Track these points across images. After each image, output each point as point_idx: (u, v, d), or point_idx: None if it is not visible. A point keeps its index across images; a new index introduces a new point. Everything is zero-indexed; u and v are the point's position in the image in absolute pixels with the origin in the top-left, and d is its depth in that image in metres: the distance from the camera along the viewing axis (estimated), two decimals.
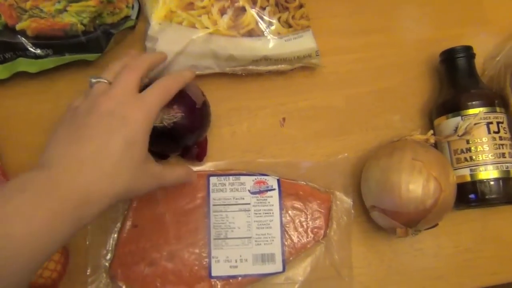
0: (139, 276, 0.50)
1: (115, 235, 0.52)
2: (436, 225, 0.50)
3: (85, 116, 0.39)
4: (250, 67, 0.55)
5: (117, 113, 0.39)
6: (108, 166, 0.37)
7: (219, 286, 0.51)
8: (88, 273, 0.50)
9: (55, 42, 0.54)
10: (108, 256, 0.51)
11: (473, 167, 0.51)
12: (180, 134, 0.47)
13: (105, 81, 0.43)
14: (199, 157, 0.54)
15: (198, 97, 0.49)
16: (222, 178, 0.54)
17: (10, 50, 0.53)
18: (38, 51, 0.54)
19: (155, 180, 0.42)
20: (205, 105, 0.50)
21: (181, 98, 0.46)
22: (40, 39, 0.53)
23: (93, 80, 0.43)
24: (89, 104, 0.40)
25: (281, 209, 0.53)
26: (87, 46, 0.54)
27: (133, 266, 0.50)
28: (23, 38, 0.53)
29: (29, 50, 0.53)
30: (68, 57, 0.54)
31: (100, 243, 0.51)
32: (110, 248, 0.51)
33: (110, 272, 0.50)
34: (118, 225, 0.52)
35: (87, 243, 0.51)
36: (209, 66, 0.54)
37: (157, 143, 0.44)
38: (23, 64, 0.54)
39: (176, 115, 0.45)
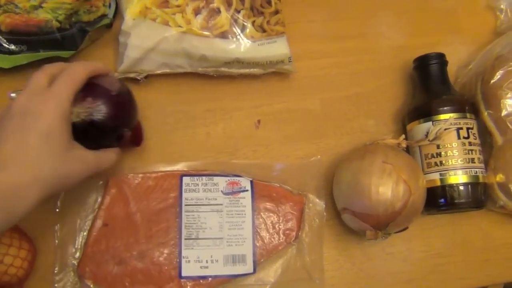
0: (108, 275, 0.50)
1: (85, 234, 0.51)
2: (406, 228, 0.51)
3: (0, 121, 0.41)
4: (223, 69, 0.55)
5: (28, 109, 0.40)
6: (29, 160, 0.38)
7: (189, 287, 0.50)
8: (55, 272, 0.50)
9: (30, 38, 0.53)
10: (77, 255, 0.50)
11: (443, 172, 0.52)
12: (102, 125, 0.45)
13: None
14: (135, 142, 0.52)
15: (113, 85, 0.47)
16: (195, 178, 0.54)
17: None
18: (12, 46, 0.53)
19: (86, 165, 0.43)
20: (123, 91, 0.48)
21: (94, 89, 0.45)
22: (14, 35, 0.53)
23: (12, 95, 0.45)
24: (5, 110, 0.41)
25: (253, 210, 0.53)
26: (62, 43, 0.54)
27: (102, 265, 0.50)
28: None
29: (2, 45, 0.53)
30: (42, 54, 0.54)
31: (69, 241, 0.51)
32: (79, 247, 0.51)
33: (78, 271, 0.50)
34: (88, 223, 0.51)
35: (56, 241, 0.51)
36: (181, 65, 0.54)
37: (84, 139, 0.43)
38: None
39: (92, 106, 0.44)
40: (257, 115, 0.58)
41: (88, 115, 0.44)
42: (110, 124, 0.45)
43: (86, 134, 0.44)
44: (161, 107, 0.57)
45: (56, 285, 0.49)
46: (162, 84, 0.58)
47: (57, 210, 0.51)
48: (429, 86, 0.56)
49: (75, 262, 0.50)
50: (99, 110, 0.44)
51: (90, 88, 0.44)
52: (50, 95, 0.41)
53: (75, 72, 0.43)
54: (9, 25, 0.53)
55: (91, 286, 0.49)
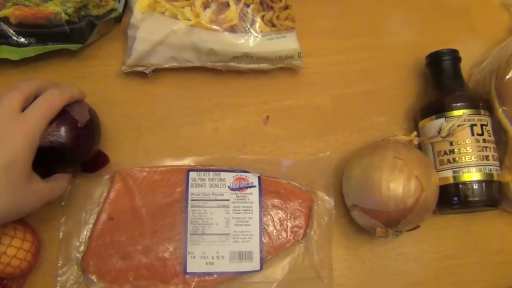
0: (112, 270, 0.49)
1: (90, 227, 0.50)
2: (418, 227, 0.49)
3: None
4: (231, 63, 0.54)
5: None
6: None
7: (194, 283, 0.49)
8: (59, 265, 0.49)
9: (39, 31, 0.53)
10: (81, 248, 0.50)
11: (456, 169, 0.50)
12: (59, 153, 0.44)
13: None
14: (89, 170, 0.51)
15: (82, 115, 0.46)
16: (202, 173, 0.53)
17: None
18: (21, 39, 0.53)
19: (40, 198, 0.42)
20: (91, 124, 0.47)
21: (62, 116, 0.44)
22: (24, 27, 0.53)
23: None
24: None
25: (261, 206, 0.52)
26: (70, 36, 0.54)
27: (106, 259, 0.49)
28: (5, 26, 0.52)
29: (11, 38, 0.53)
30: (50, 46, 0.54)
31: (73, 234, 0.50)
32: (83, 240, 0.50)
33: (82, 264, 0.49)
34: (93, 217, 0.51)
35: (60, 234, 0.50)
36: (189, 59, 0.54)
37: (37, 161, 0.41)
38: (5, 52, 0.53)
39: (54, 132, 0.43)
40: (266, 111, 0.58)
41: (46, 141, 0.43)
42: (67, 154, 0.45)
43: (41, 157, 0.42)
44: (168, 101, 0.57)
45: (59, 278, 0.49)
46: (170, 79, 0.57)
47: (63, 203, 0.51)
48: (442, 82, 0.55)
49: (79, 256, 0.49)
50: (60, 139, 0.43)
51: (59, 113, 0.43)
52: (22, 122, 0.39)
53: (52, 100, 0.42)
54: (19, 18, 0.53)
55: (95, 280, 0.48)
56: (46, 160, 0.43)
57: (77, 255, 0.49)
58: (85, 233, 0.50)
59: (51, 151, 0.43)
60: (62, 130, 0.44)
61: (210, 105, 0.57)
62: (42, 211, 0.50)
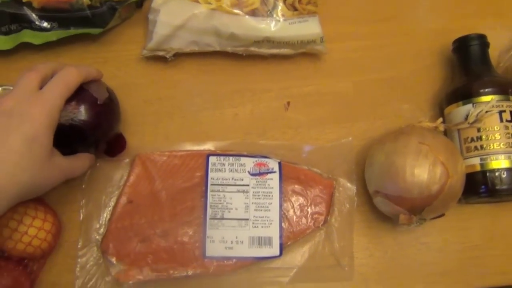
0: (131, 252, 0.49)
1: (110, 210, 0.50)
2: (443, 215, 0.48)
3: None
4: (252, 48, 0.54)
5: (15, 111, 0.39)
6: (9, 165, 0.37)
7: (212, 267, 0.49)
8: (79, 246, 0.49)
9: (61, 15, 0.54)
10: (101, 231, 0.50)
11: (483, 156, 0.49)
12: (80, 131, 0.44)
13: (10, 87, 0.42)
14: (111, 153, 0.51)
15: (101, 93, 0.46)
16: (222, 158, 0.52)
17: (16, 22, 0.53)
18: (44, 23, 0.54)
19: (62, 173, 0.42)
20: (110, 102, 0.47)
21: (81, 95, 0.44)
22: (46, 12, 0.53)
23: None
24: None
25: (281, 192, 0.52)
26: (92, 20, 0.54)
27: (125, 242, 0.49)
28: (28, 10, 0.53)
29: (34, 22, 0.53)
30: (72, 31, 0.54)
31: (93, 217, 0.50)
32: (103, 223, 0.50)
33: (101, 246, 0.49)
34: (113, 200, 0.51)
35: (81, 216, 0.50)
36: (210, 44, 0.53)
37: (60, 141, 0.42)
38: (27, 36, 0.54)
39: (74, 111, 0.43)
40: (287, 97, 0.57)
41: (68, 119, 0.43)
42: (88, 132, 0.45)
43: (62, 137, 0.42)
44: (188, 86, 0.56)
45: (79, 259, 0.49)
46: (191, 64, 0.57)
47: (83, 186, 0.51)
48: (469, 68, 0.53)
49: (99, 238, 0.50)
50: (80, 116, 0.44)
51: (77, 92, 0.43)
52: (40, 100, 0.40)
53: (69, 77, 0.42)
54: (41, 2, 0.53)
55: (114, 262, 0.48)
56: (68, 139, 0.44)
57: (97, 237, 0.50)
58: (105, 215, 0.50)
59: (72, 129, 0.43)
60: (82, 108, 0.44)
61: (230, 90, 0.56)
62: (63, 193, 0.51)
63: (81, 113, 0.44)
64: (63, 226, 0.50)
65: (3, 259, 0.46)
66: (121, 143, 0.52)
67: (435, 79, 0.58)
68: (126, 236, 0.49)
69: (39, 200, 0.49)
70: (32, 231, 0.45)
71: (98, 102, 0.45)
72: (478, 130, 0.49)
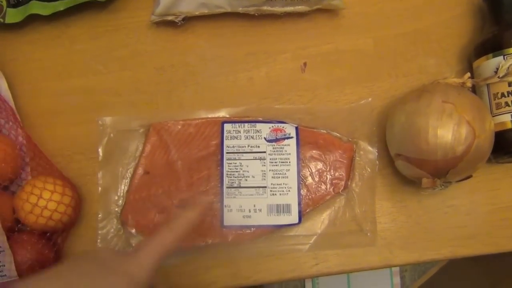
0: (150, 223, 0.49)
1: (127, 181, 0.50)
2: (470, 177, 0.45)
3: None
4: (265, 7, 0.51)
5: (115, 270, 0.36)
6: None
7: (231, 236, 0.49)
8: (99, 219, 0.50)
9: None
10: (120, 202, 0.50)
11: None
12: None
13: None
14: None
15: None
16: (237, 125, 0.51)
17: None
18: None
19: None
20: None
21: None
22: None
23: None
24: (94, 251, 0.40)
25: (298, 158, 0.50)
26: None
27: (143, 213, 0.49)
28: None
29: None
30: None
31: (111, 189, 0.50)
32: (121, 194, 0.50)
33: (121, 218, 0.49)
34: (130, 171, 0.51)
35: (99, 189, 0.50)
36: (220, 5, 0.51)
37: None
38: (35, 7, 0.52)
39: None
40: (303, 58, 0.54)
41: None
42: None
43: None
44: (200, 51, 0.54)
45: (100, 231, 0.49)
46: (201, 28, 0.55)
47: (99, 159, 0.51)
48: (501, 16, 0.49)
49: (118, 210, 0.50)
50: None
51: None
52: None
53: (165, 242, 0.39)
54: None
55: (134, 233, 0.49)
56: None
57: (116, 209, 0.50)
58: (123, 187, 0.50)
59: None
60: None
61: (244, 53, 0.54)
62: (82, 166, 0.51)
63: None
64: (83, 198, 0.51)
65: (26, 233, 0.47)
66: None
67: (463, 30, 0.54)
68: (144, 207, 0.49)
69: (58, 174, 0.50)
70: (52, 205, 0.46)
71: None
72: (509, 84, 0.45)
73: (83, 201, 0.51)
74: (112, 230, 0.50)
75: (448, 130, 0.42)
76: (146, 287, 0.37)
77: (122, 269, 0.36)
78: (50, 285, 0.34)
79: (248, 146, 0.50)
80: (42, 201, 0.46)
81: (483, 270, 1.12)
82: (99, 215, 0.50)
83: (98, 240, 0.49)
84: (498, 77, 0.46)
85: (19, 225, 0.47)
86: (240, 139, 0.50)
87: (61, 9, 0.52)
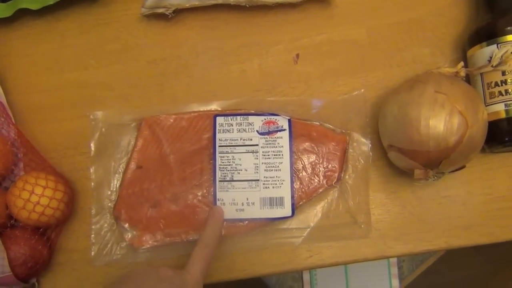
0: (143, 218, 0.49)
1: (119, 176, 0.50)
2: (463, 167, 0.45)
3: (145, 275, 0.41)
4: None
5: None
6: None
7: (224, 230, 0.49)
8: (92, 214, 0.50)
9: None
10: (112, 197, 0.50)
11: (508, 102, 0.45)
12: None
13: None
14: None
15: None
16: (229, 118, 0.51)
17: None
18: None
19: None
20: None
21: None
22: None
23: None
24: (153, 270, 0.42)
25: (291, 151, 0.50)
26: None
27: (136, 208, 0.49)
28: None
29: None
30: None
31: (104, 184, 0.50)
32: (114, 189, 0.50)
33: (114, 213, 0.49)
34: (122, 166, 0.51)
35: (92, 184, 0.50)
36: None
37: None
38: (25, 1, 0.52)
39: None
40: (296, 49, 0.53)
41: None
42: None
43: None
44: (192, 44, 0.54)
45: (93, 226, 0.49)
46: (193, 20, 0.54)
47: (92, 154, 0.51)
48: (495, 3, 0.48)
49: (111, 205, 0.50)
50: None
51: None
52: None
53: (209, 246, 0.45)
54: None
55: (127, 228, 0.49)
56: None
57: (109, 204, 0.50)
58: (115, 182, 0.50)
59: None
60: None
61: (236, 45, 0.54)
62: (75, 160, 0.51)
63: None
64: (77, 193, 0.51)
65: (19, 229, 0.47)
66: None
67: (458, 18, 0.53)
68: (137, 202, 0.49)
69: (50, 169, 0.49)
70: (44, 200, 0.46)
71: None
72: (503, 73, 0.45)
73: (76, 196, 0.51)
74: (106, 225, 0.50)
75: (440, 120, 0.41)
76: None
77: (179, 280, 0.41)
78: None
79: (241, 139, 0.50)
80: (35, 197, 0.46)
81: (483, 260, 1.11)
82: (92, 210, 0.50)
83: (92, 235, 0.49)
84: (492, 66, 0.45)
85: (12, 221, 0.47)
86: (233, 132, 0.50)
87: (51, 3, 0.52)
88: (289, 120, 0.50)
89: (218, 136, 0.50)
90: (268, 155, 0.50)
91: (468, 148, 0.42)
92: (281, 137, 0.50)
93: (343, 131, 0.51)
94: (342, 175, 0.50)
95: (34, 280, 0.48)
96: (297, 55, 0.53)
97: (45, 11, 0.53)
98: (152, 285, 0.39)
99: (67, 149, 0.52)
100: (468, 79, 0.49)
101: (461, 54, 0.52)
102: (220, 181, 0.49)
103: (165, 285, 0.39)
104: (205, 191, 0.49)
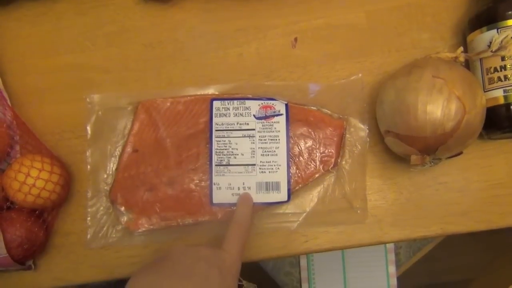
0: (139, 201, 0.49)
1: (116, 159, 0.50)
2: (460, 153, 0.45)
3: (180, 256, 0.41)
4: None
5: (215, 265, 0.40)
6: None
7: (220, 214, 0.49)
8: (88, 197, 0.50)
9: None
10: (109, 181, 0.50)
11: (507, 88, 0.44)
12: None
13: None
14: None
15: None
16: (226, 102, 0.50)
17: None
18: None
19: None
20: None
21: None
22: None
23: None
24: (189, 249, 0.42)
25: (288, 135, 0.49)
26: None
27: (133, 191, 0.49)
28: None
29: None
30: None
31: (100, 167, 0.50)
32: (110, 173, 0.50)
33: (110, 196, 0.49)
34: (119, 149, 0.50)
35: (88, 167, 0.50)
36: None
37: None
38: None
39: None
40: (294, 33, 0.53)
41: None
42: None
43: None
44: (189, 27, 0.53)
45: (89, 209, 0.50)
46: (191, 2, 0.54)
47: (88, 137, 0.51)
48: None
49: (107, 188, 0.50)
50: None
51: None
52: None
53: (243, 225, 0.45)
54: None
55: (123, 211, 0.49)
56: None
57: (105, 187, 0.50)
58: (112, 165, 0.50)
59: None
60: None
61: (234, 29, 0.53)
62: (72, 144, 0.51)
63: None
64: (73, 176, 0.51)
65: (15, 211, 0.47)
66: None
67: (458, 3, 0.52)
68: (133, 186, 0.49)
69: (46, 153, 0.49)
70: (40, 183, 0.46)
71: None
72: (502, 58, 0.44)
73: (72, 179, 0.51)
74: (102, 208, 0.50)
75: (437, 106, 0.41)
76: (238, 270, 0.42)
77: (217, 259, 0.41)
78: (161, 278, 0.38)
79: (237, 123, 0.50)
80: (30, 179, 0.46)
81: (481, 246, 1.12)
82: (89, 193, 0.50)
83: (88, 218, 0.49)
84: (491, 51, 0.44)
85: (8, 203, 0.47)
86: (229, 116, 0.50)
87: None
88: (286, 105, 0.50)
89: (214, 120, 0.50)
90: (264, 140, 0.49)
91: (466, 134, 0.42)
92: (278, 122, 0.50)
93: (340, 116, 0.50)
94: (338, 161, 0.49)
95: (30, 262, 0.49)
96: (295, 39, 0.53)
97: None
98: (190, 264, 0.39)
99: (64, 132, 0.52)
100: (468, 65, 0.48)
101: (461, 39, 0.52)
102: (216, 165, 0.49)
103: (203, 264, 0.39)
104: (201, 175, 0.49)
